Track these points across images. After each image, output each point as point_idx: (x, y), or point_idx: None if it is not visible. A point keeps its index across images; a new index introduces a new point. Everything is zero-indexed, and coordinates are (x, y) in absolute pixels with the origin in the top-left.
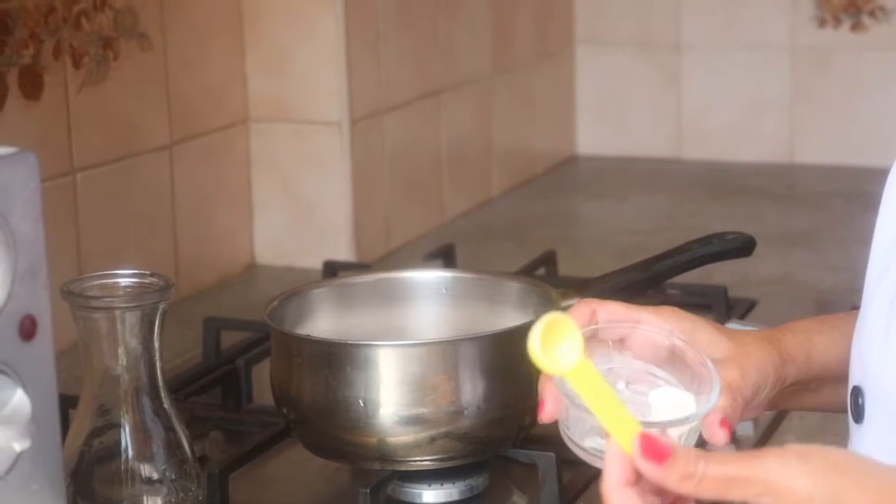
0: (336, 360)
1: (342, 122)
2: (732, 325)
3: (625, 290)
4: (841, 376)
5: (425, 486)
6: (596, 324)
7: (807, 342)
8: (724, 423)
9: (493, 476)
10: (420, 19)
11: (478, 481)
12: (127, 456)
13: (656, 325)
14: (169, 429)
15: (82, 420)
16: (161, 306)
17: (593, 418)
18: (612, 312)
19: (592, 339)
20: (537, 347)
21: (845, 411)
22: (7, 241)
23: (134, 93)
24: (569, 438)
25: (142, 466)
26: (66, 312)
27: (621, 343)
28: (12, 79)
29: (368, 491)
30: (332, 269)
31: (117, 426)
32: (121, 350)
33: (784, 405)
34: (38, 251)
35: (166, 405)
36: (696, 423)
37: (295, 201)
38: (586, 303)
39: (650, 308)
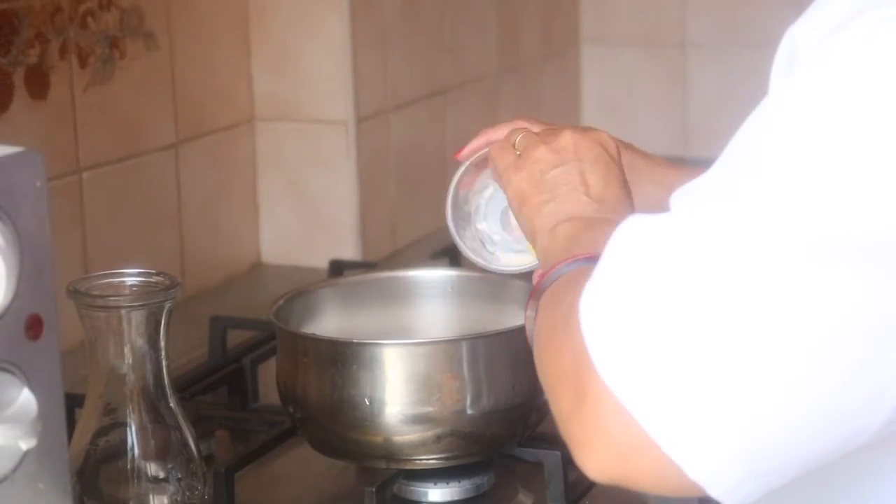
0: (342, 358)
1: (348, 121)
2: None
3: None
4: None
5: (431, 484)
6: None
7: None
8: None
9: (498, 475)
10: (426, 18)
11: (483, 480)
12: (133, 455)
13: None
14: (175, 427)
15: (88, 419)
16: (167, 305)
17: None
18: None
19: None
20: None
21: None
22: (13, 240)
23: (140, 92)
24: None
25: (148, 465)
26: (72, 311)
27: None
28: (18, 78)
29: (374, 490)
30: (338, 268)
31: (123, 425)
32: (127, 349)
33: None
34: (44, 250)
35: (172, 404)
36: None
37: (301, 200)
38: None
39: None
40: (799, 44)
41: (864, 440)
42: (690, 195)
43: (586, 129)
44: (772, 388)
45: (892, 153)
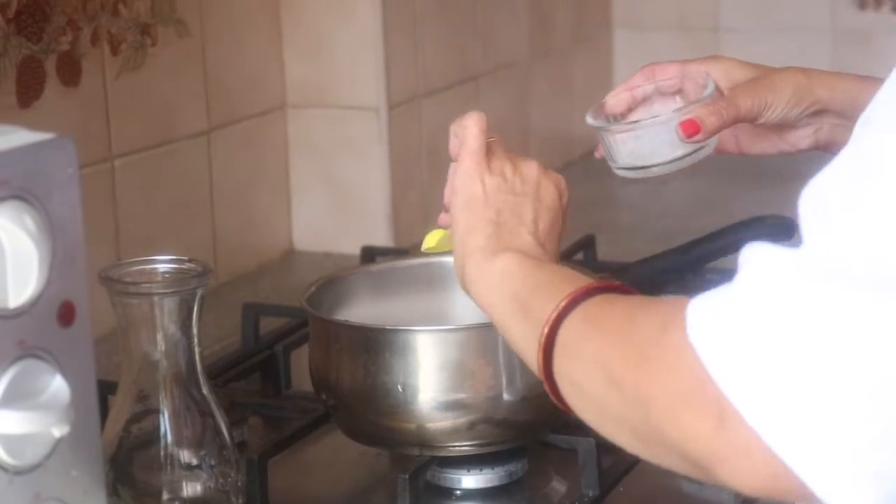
0: (375, 345)
1: (380, 108)
2: None
3: (664, 275)
4: None
5: (464, 471)
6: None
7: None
8: (689, 122)
9: (532, 461)
10: (458, 3)
11: (517, 467)
12: (166, 442)
13: (696, 71)
14: (208, 414)
15: (121, 406)
16: (199, 292)
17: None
18: (666, 71)
19: (655, 93)
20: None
21: None
22: (45, 226)
23: (172, 79)
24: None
25: (181, 452)
26: (105, 299)
27: (680, 91)
28: (51, 65)
29: (408, 477)
30: (370, 255)
31: (156, 412)
32: (159, 336)
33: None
34: (75, 237)
35: (205, 391)
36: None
37: (333, 187)
38: (646, 66)
39: (697, 59)
40: None
41: None
42: (822, 212)
43: (549, 171)
44: None
45: None
